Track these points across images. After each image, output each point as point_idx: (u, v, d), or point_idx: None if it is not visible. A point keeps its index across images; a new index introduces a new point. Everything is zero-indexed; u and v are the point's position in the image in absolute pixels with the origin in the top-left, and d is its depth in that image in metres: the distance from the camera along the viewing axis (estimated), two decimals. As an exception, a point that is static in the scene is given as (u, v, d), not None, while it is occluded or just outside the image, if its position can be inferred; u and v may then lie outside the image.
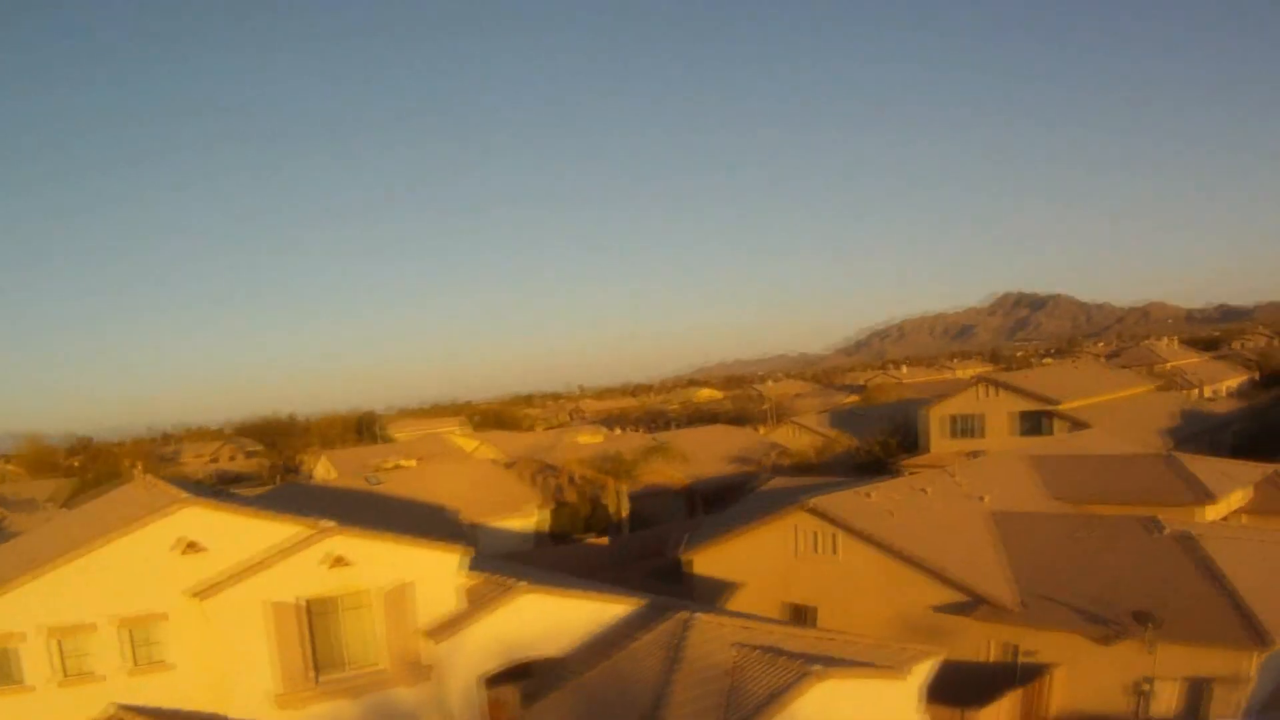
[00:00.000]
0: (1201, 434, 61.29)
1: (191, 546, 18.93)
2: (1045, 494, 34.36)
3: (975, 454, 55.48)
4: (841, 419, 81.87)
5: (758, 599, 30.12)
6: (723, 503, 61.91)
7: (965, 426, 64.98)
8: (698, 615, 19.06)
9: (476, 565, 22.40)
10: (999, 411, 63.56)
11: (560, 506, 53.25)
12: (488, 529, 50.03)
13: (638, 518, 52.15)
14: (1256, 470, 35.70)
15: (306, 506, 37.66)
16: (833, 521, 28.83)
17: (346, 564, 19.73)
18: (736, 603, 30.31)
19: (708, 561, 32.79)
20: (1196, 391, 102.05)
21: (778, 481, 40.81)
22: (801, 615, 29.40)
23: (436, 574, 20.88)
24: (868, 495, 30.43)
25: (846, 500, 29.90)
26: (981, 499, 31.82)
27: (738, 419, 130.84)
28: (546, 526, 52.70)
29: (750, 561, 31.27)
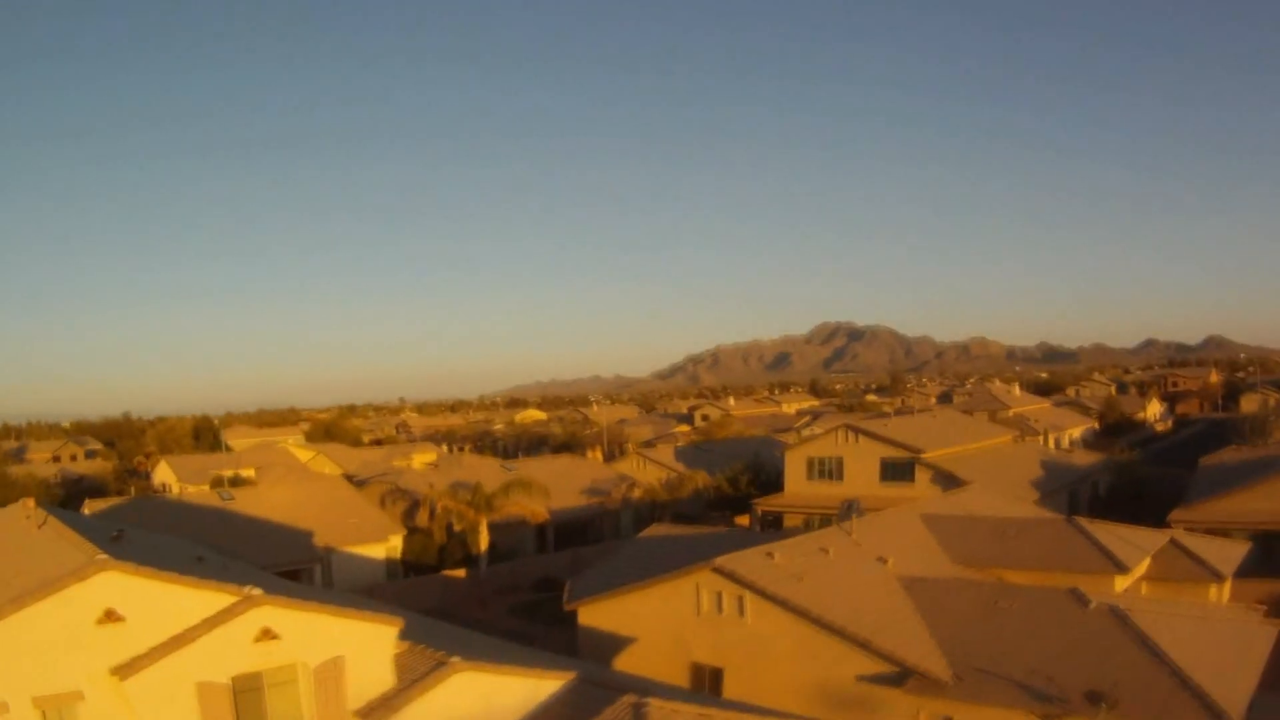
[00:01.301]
0: (1062, 488, 66.38)
1: (110, 615, 18.02)
2: (945, 557, 36.24)
3: (849, 505, 57.80)
4: (689, 454, 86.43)
5: (655, 657, 31.12)
6: (578, 537, 65.48)
7: (825, 470, 68.14)
8: (649, 702, 18.87)
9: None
10: (861, 457, 66.79)
11: (413, 534, 57.10)
12: (342, 555, 54.32)
13: (492, 550, 55.74)
14: (1153, 537, 38.81)
15: (166, 524, 44.73)
16: (741, 583, 29.44)
17: (274, 637, 19.06)
18: (631, 659, 31.44)
19: (599, 614, 33.75)
20: (1042, 439, 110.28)
21: (658, 528, 41.41)
22: (705, 678, 30.18)
23: (369, 648, 20.46)
24: (770, 555, 31.18)
25: (752, 560, 30.57)
26: (885, 561, 33.18)
27: (568, 444, 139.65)
28: (399, 554, 56.96)
29: (647, 618, 32.14)
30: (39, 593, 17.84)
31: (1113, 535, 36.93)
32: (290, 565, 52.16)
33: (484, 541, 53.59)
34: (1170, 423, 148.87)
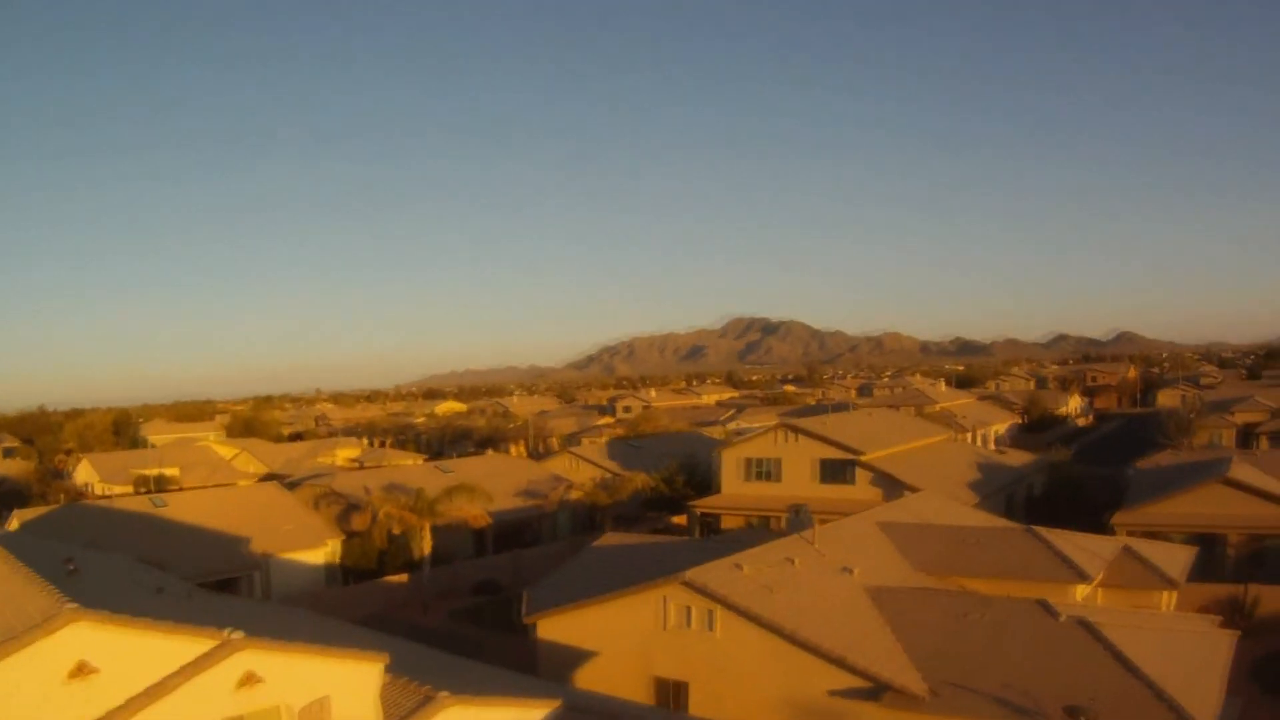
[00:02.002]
0: (999, 490, 67.83)
1: (82, 669, 16.83)
2: (907, 565, 36.78)
3: (798, 510, 58.35)
4: (620, 451, 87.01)
5: (617, 671, 31.18)
6: (515, 540, 65.65)
7: (762, 470, 68.80)
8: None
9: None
10: (798, 458, 67.47)
11: (351, 538, 57.52)
12: (280, 562, 54.46)
13: (432, 554, 55.98)
14: (1106, 545, 39.89)
15: (100, 535, 45.90)
16: (712, 597, 29.49)
17: (257, 681, 18.27)
18: (592, 673, 31.39)
19: (559, 627, 33.51)
20: (970, 436, 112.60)
21: (612, 537, 41.35)
22: (669, 692, 30.32)
23: (354, 686, 19.79)
24: (739, 567, 31.30)
25: (722, 573, 30.68)
26: (850, 571, 33.57)
27: (491, 438, 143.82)
28: (337, 559, 57.28)
29: (610, 631, 32.05)
30: (2, 650, 16.86)
31: (1069, 543, 37.85)
32: (228, 573, 51.92)
33: (427, 547, 53.60)
34: (1091, 418, 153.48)
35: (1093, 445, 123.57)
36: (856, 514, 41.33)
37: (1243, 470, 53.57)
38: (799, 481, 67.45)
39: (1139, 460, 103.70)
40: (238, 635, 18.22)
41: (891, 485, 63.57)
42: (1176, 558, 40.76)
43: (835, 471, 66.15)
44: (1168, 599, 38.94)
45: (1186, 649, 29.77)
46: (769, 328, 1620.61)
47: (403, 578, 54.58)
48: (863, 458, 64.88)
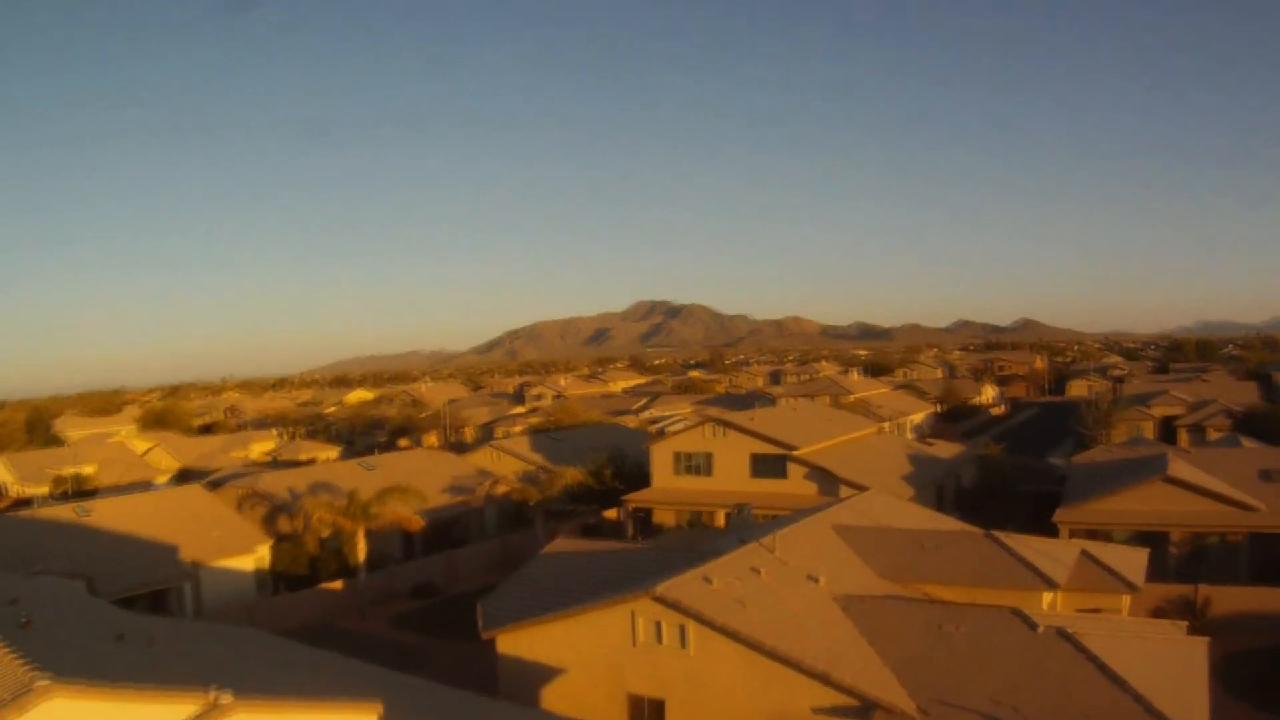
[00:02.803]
0: (930, 484, 68.41)
1: None
2: (869, 571, 36.40)
3: (740, 509, 58.05)
4: (543, 444, 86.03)
5: (588, 688, 30.47)
6: (445, 539, 64.78)
7: (693, 464, 68.75)
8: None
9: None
10: (730, 452, 67.37)
11: (281, 542, 56.39)
12: (210, 570, 53.04)
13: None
14: (1064, 549, 39.97)
15: (26, 547, 47.09)
16: (684, 612, 28.69)
17: None
18: (561, 690, 30.70)
19: (521, 642, 32.48)
20: (890, 427, 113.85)
21: (563, 543, 40.21)
22: (645, 710, 29.63)
23: None
24: (709, 580, 30.50)
25: (691, 586, 29.84)
26: (817, 580, 33.05)
27: (405, 428, 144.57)
28: (268, 564, 55.95)
29: (577, 647, 31.16)
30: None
31: (1029, 548, 37.79)
32: (159, 584, 50.14)
33: (362, 552, 52.51)
34: (1005, 407, 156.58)
35: (1010, 434, 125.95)
36: (810, 517, 40.65)
37: (1181, 468, 54.57)
38: (731, 476, 67.32)
39: (1054, 452, 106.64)
40: (226, 698, 16.71)
41: (826, 480, 63.72)
42: (1132, 560, 41.00)
43: (768, 466, 66.10)
44: (1126, 602, 39.33)
45: (1164, 658, 29.79)
46: (672, 311, 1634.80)
47: (338, 585, 53.29)
48: (796, 452, 64.92)
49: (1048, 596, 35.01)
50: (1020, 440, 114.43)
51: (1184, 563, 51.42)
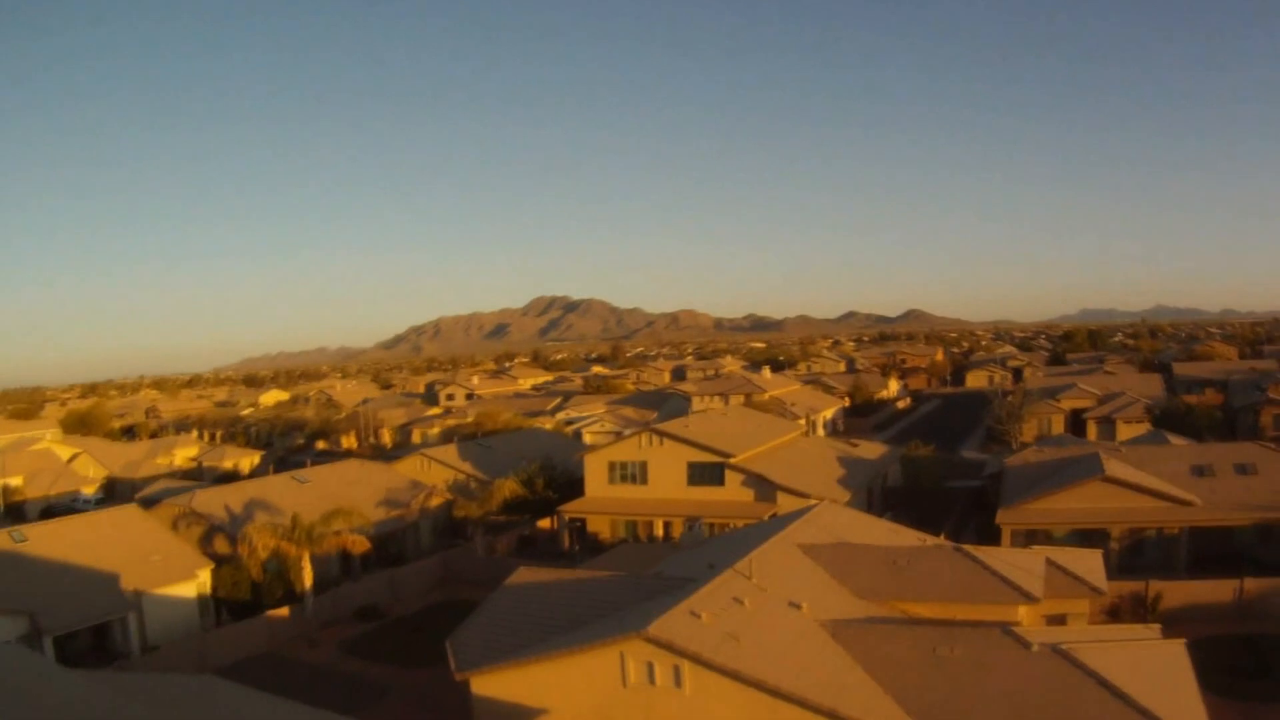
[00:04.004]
0: (862, 486, 68.06)
1: None
2: (847, 593, 35.32)
3: (693, 525, 56.81)
4: (472, 452, 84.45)
5: None
6: (383, 556, 62.56)
7: (628, 473, 67.85)
8: None
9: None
10: (666, 460, 66.40)
11: (221, 565, 53.73)
12: (153, 599, 50.21)
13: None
14: (1028, 557, 39.49)
15: None
16: (677, 652, 27.20)
17: None
18: None
19: (500, 684, 30.46)
20: (805, 424, 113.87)
21: (527, 573, 38.01)
22: None
23: None
24: (698, 615, 29.07)
25: (681, 623, 28.35)
26: (799, 607, 31.90)
27: (323, 431, 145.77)
28: (209, 589, 53.23)
29: (561, 689, 29.40)
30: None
31: (999, 560, 37.21)
32: (101, 617, 47.05)
33: (308, 578, 50.07)
34: (908, 400, 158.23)
35: (918, 428, 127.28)
36: (775, 536, 39.29)
37: (1117, 467, 54.95)
38: (667, 484, 66.23)
39: (966, 445, 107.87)
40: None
41: (763, 486, 62.94)
42: (1090, 563, 40.87)
43: (705, 474, 65.12)
44: (1090, 606, 39.17)
45: (1152, 664, 29.23)
46: (570, 306, 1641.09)
47: (284, 612, 50.73)
48: (732, 460, 64.01)
49: (1025, 610, 34.46)
50: (930, 434, 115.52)
51: (1125, 558, 51.78)
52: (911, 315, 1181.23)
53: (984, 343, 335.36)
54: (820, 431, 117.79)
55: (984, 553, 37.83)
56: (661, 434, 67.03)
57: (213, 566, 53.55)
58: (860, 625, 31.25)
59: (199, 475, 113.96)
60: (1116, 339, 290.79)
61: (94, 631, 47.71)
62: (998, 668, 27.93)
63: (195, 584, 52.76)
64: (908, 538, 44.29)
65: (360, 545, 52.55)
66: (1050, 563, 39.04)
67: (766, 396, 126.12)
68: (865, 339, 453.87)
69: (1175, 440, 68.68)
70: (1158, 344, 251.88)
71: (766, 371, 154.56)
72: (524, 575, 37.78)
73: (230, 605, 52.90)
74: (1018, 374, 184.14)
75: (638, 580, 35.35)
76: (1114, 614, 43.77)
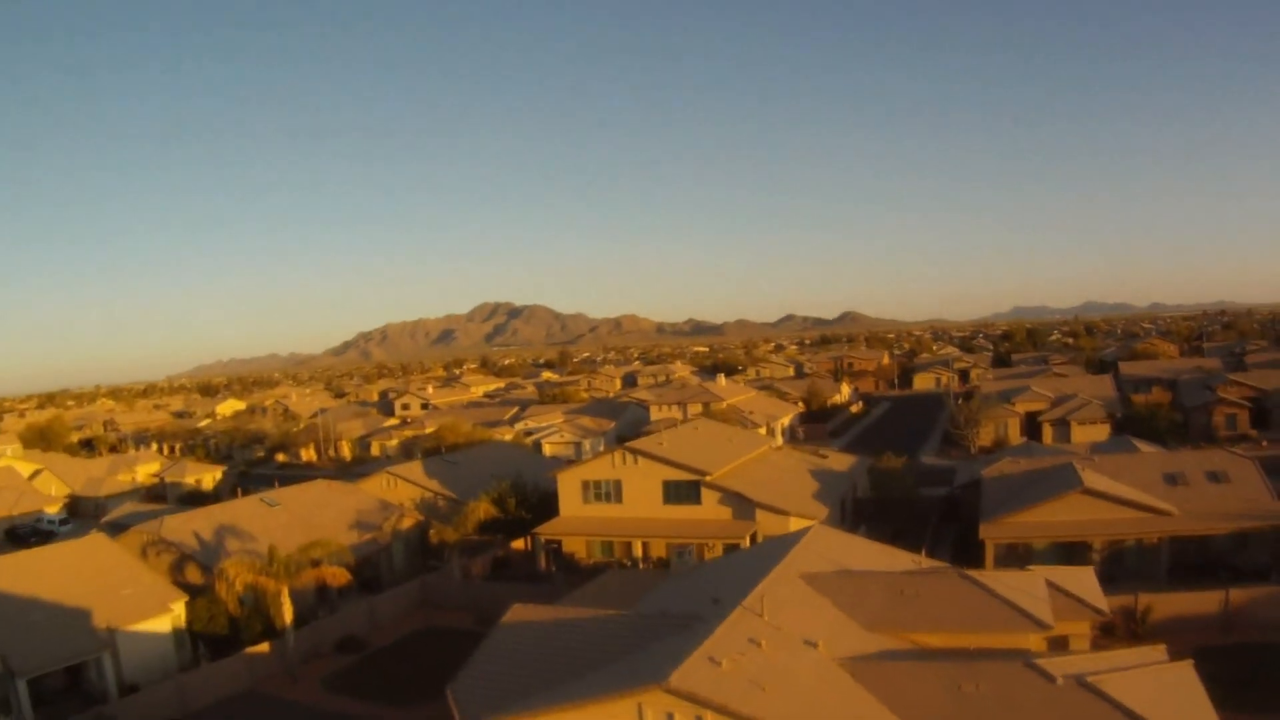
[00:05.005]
0: (836, 500, 67.02)
1: None
2: (855, 625, 34.05)
3: (682, 553, 55.35)
4: (438, 468, 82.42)
5: None
6: (355, 579, 58.50)
7: (602, 492, 66.55)
8: None
9: None
10: (641, 479, 65.16)
11: (195, 597, 51.96)
12: (127, 636, 47.92)
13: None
14: (1028, 579, 38.52)
15: None
16: (702, 704, 25.72)
17: None
18: None
19: None
20: (765, 432, 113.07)
21: (521, 611, 36.12)
22: None
23: None
24: (717, 662, 27.64)
25: (702, 672, 26.83)
26: (815, 645, 30.64)
27: (282, 444, 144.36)
28: (184, 623, 51.38)
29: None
30: None
31: (1003, 585, 36.22)
32: (75, 657, 44.85)
33: (288, 614, 47.76)
34: (861, 405, 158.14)
35: (873, 433, 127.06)
36: (775, 567, 37.85)
37: (1095, 478, 54.38)
38: (642, 503, 64.80)
39: (923, 450, 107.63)
40: None
41: (741, 504, 61.69)
42: (1086, 583, 40.20)
43: (681, 492, 63.75)
44: (1089, 628, 38.42)
45: (1171, 691, 28.40)
46: (514, 312, 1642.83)
47: (264, 647, 48.56)
48: (709, 478, 62.70)
49: (1035, 637, 33.52)
50: (886, 439, 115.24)
51: (1106, 568, 51.02)
52: (848, 317, 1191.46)
53: (924, 343, 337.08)
54: (779, 439, 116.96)
55: (988, 578, 36.80)
56: (636, 452, 65.55)
57: (186, 599, 51.35)
58: (879, 662, 30.05)
59: (162, 492, 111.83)
60: (1054, 337, 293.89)
61: (68, 671, 45.55)
62: (1026, 705, 26.87)
63: (170, 618, 50.57)
64: (902, 560, 43.25)
65: (340, 577, 50.45)
66: (1051, 585, 38.18)
67: (724, 405, 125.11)
68: (807, 342, 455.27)
69: (1143, 446, 68.48)
70: (1096, 341, 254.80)
71: (722, 379, 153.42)
72: (520, 614, 36.05)
73: (209, 641, 50.72)
74: (964, 375, 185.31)
75: (643, 620, 33.80)
76: (1108, 630, 43.06)
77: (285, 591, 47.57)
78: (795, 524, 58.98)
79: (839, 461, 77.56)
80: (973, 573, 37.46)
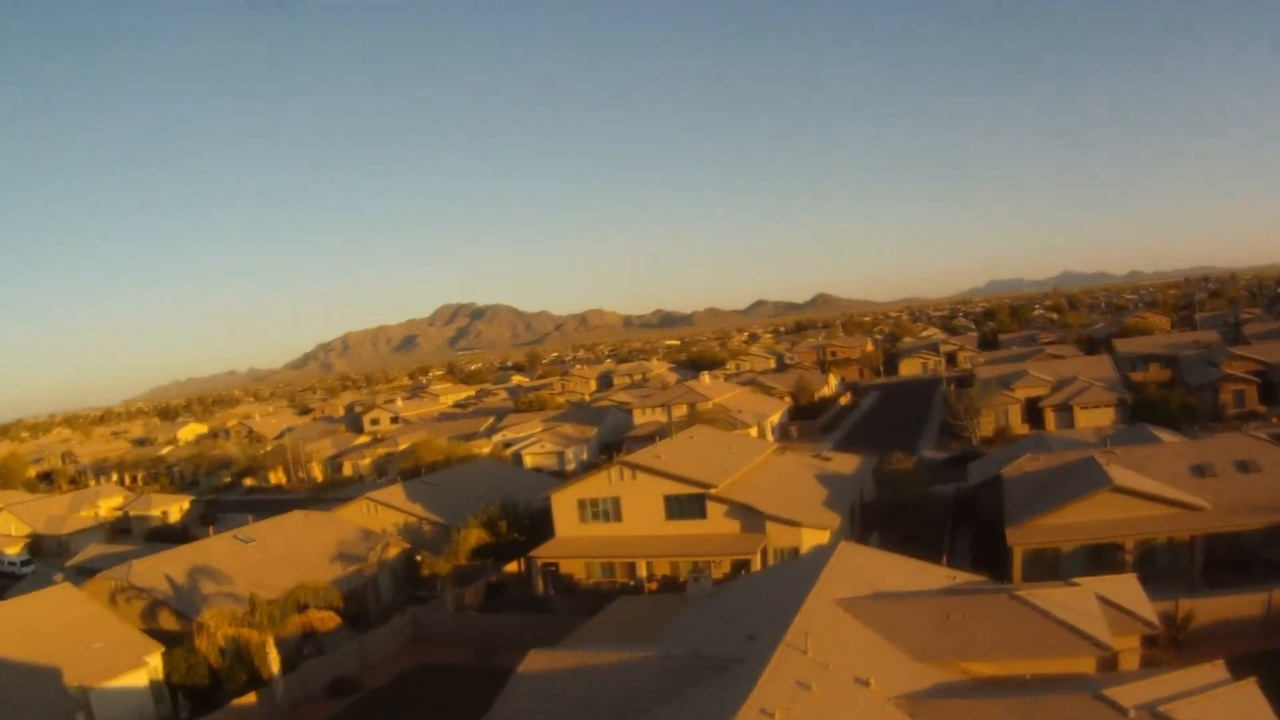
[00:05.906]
0: (848, 505, 65.71)
1: None
2: (904, 656, 32.63)
3: (698, 576, 53.55)
4: (419, 491, 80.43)
5: None
6: (341, 615, 56.37)
7: (600, 511, 65.19)
8: None
9: None
10: (640, 494, 63.80)
11: (172, 647, 49.90)
12: (102, 694, 45.78)
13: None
14: (1078, 595, 37.27)
15: None
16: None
17: None
18: None
19: None
20: (756, 432, 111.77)
21: (539, 659, 34.27)
22: None
23: None
24: (768, 715, 26.12)
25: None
26: (867, 683, 29.20)
27: (250, 468, 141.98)
28: (161, 675, 49.31)
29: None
30: None
31: (1056, 604, 34.96)
32: None
33: (275, 664, 46.02)
34: (850, 396, 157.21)
35: (868, 426, 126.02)
36: (808, 595, 36.34)
37: (1122, 474, 53.15)
38: (643, 519, 63.31)
39: (921, 443, 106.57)
40: None
41: (750, 516, 60.30)
42: (1132, 592, 38.99)
43: (685, 507, 62.29)
44: (1138, 640, 37.24)
45: (1240, 713, 27.44)
46: (477, 313, 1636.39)
47: (251, 698, 46.38)
48: (714, 490, 61.24)
49: (1093, 660, 32.22)
50: (881, 433, 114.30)
51: (1137, 569, 49.92)
52: (820, 300, 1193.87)
53: (903, 325, 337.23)
54: (770, 437, 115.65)
55: (1039, 596, 35.44)
56: (633, 466, 63.95)
57: (163, 650, 49.28)
58: (938, 700, 28.66)
59: (127, 526, 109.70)
60: (1037, 312, 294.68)
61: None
62: (1103, 747, 25.61)
63: (146, 671, 48.53)
64: (935, 576, 41.98)
65: (330, 622, 48.62)
66: (1101, 599, 36.94)
67: (711, 405, 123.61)
68: (781, 329, 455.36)
69: (1163, 435, 67.56)
70: (1082, 316, 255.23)
71: (705, 377, 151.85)
72: (538, 661, 34.35)
73: (189, 694, 48.77)
74: (951, 359, 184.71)
75: (674, 662, 32.14)
76: (1150, 640, 41.85)
77: (271, 641, 45.82)
78: (808, 535, 57.77)
79: (843, 463, 76.27)
80: (1022, 591, 36.15)
